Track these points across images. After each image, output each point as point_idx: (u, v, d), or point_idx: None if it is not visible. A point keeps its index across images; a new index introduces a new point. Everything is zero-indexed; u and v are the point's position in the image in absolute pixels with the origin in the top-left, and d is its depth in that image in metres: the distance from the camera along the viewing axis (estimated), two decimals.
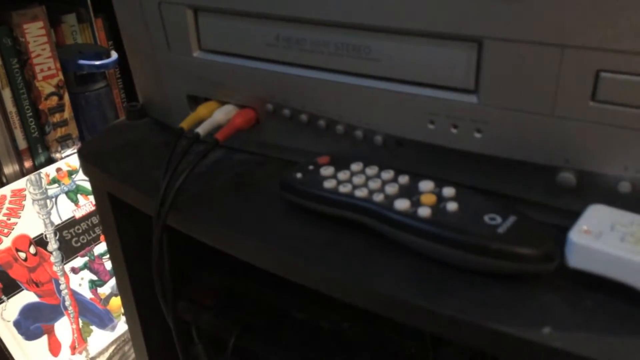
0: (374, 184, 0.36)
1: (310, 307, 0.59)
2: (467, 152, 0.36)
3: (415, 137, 0.37)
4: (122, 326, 0.97)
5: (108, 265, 0.98)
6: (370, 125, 0.39)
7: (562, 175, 0.33)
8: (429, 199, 0.34)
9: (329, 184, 0.37)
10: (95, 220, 0.96)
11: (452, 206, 0.33)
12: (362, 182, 0.37)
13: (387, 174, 0.37)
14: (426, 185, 0.35)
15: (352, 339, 0.56)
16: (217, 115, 0.44)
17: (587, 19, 0.29)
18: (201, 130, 0.43)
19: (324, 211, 0.37)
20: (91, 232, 0.95)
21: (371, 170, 0.38)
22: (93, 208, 0.95)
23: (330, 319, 0.58)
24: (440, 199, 0.34)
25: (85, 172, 0.49)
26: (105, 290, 0.96)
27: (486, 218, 0.32)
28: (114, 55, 0.93)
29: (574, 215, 0.31)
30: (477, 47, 0.32)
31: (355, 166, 0.39)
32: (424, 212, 0.33)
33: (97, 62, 0.90)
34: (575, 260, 0.30)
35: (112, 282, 0.98)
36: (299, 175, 0.39)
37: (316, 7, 0.36)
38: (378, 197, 0.35)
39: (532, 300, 0.30)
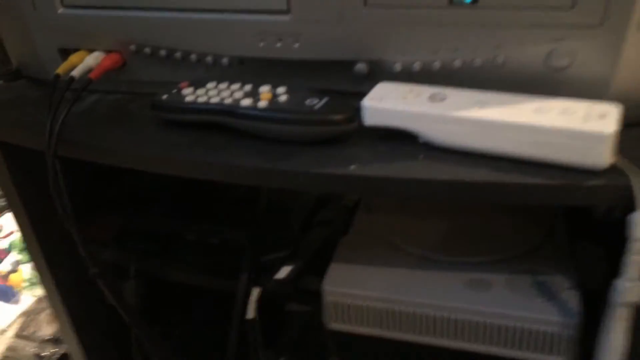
0: (225, 93, 0.47)
1: (198, 228, 0.69)
2: (291, 59, 0.47)
3: (252, 54, 0.48)
4: (26, 299, 1.01)
5: (2, 244, 1.01)
6: (216, 50, 0.49)
7: (358, 67, 0.45)
8: (266, 96, 0.45)
9: (190, 98, 0.47)
10: None
11: (283, 98, 0.45)
12: (215, 94, 0.47)
13: (235, 85, 0.48)
14: (264, 88, 0.46)
15: (236, 247, 0.66)
16: (88, 61, 0.52)
17: None
18: (75, 73, 0.51)
19: (188, 119, 0.47)
20: None
21: (223, 85, 0.48)
22: None
23: (216, 236, 0.68)
24: (275, 95, 0.45)
25: None
26: (4, 267, 1.00)
27: (307, 101, 0.44)
28: None
29: None
30: None
31: (210, 84, 0.49)
32: (263, 104, 0.44)
33: None
34: (368, 119, 0.42)
35: (10, 259, 1.01)
36: (165, 96, 0.48)
37: None
38: (228, 100, 0.45)
39: (343, 152, 0.42)
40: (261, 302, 0.58)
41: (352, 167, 0.41)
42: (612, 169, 0.37)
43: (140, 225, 0.70)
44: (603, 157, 0.36)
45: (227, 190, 0.71)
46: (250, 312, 0.58)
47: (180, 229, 0.69)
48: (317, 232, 0.62)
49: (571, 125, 0.36)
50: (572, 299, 0.47)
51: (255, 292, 0.58)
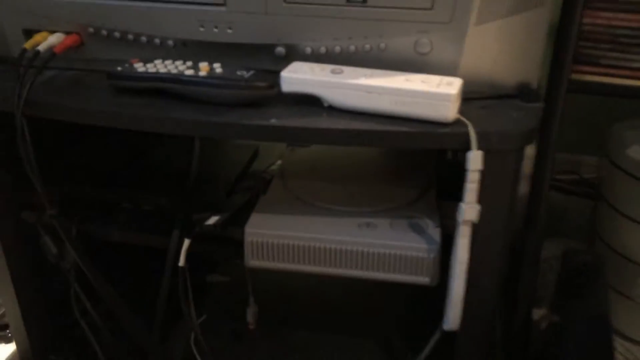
0: (171, 66, 0.58)
1: (134, 197, 0.78)
2: (225, 42, 0.60)
3: (193, 38, 0.60)
4: None
5: None
6: (163, 33, 0.61)
7: (278, 49, 0.59)
8: (205, 68, 0.57)
9: (141, 69, 0.58)
10: None
11: (219, 70, 0.57)
12: (163, 67, 0.59)
13: (179, 62, 0.60)
14: (203, 64, 0.59)
15: (168, 213, 0.76)
16: (51, 39, 0.62)
17: None
18: (41, 48, 0.60)
19: (140, 86, 0.58)
20: None
21: (168, 61, 0.60)
22: None
23: (151, 203, 0.78)
24: (212, 68, 0.58)
25: None
26: None
27: (238, 72, 0.56)
28: None
29: None
30: None
31: (158, 61, 0.60)
32: (203, 73, 0.56)
33: None
34: (285, 86, 0.56)
35: None
36: (119, 68, 0.59)
37: None
38: (174, 71, 0.57)
39: (268, 111, 0.55)
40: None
41: (273, 120, 0.54)
42: (457, 123, 0.52)
43: (81, 194, 0.79)
44: (449, 111, 0.51)
45: (162, 164, 0.82)
46: (182, 260, 0.69)
47: (117, 198, 0.78)
48: (241, 196, 0.73)
49: (428, 89, 0.51)
50: (435, 234, 0.62)
51: (186, 243, 0.69)
